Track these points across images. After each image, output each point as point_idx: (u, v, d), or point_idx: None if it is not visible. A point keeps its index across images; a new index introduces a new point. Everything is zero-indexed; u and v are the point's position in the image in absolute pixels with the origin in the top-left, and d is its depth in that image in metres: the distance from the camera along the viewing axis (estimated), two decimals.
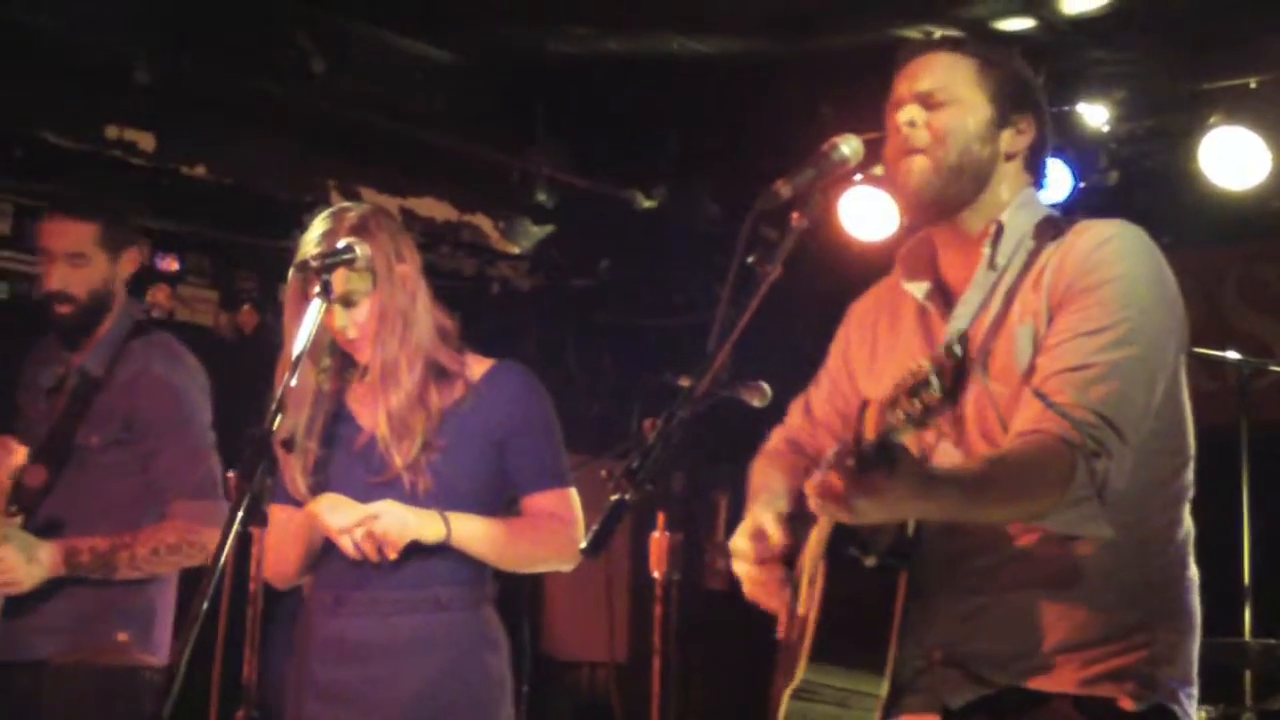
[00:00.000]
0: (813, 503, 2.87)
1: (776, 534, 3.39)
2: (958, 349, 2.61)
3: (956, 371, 2.61)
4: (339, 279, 4.07)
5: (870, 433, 2.72)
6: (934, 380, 2.63)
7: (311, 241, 4.11)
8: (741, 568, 3.44)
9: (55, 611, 4.85)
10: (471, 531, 4.15)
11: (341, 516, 4.08)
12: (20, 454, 4.73)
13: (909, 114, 3.28)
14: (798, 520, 3.48)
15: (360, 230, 4.13)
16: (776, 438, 3.80)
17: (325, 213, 4.22)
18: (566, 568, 4.33)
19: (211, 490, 4.98)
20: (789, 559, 3.40)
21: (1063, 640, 3.11)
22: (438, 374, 4.22)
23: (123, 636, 4.92)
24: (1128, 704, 3.08)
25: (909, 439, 2.76)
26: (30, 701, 4.83)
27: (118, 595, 4.91)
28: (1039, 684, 3.11)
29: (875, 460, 2.71)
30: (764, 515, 3.46)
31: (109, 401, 4.94)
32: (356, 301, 4.13)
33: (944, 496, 2.93)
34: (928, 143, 3.26)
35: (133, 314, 5.17)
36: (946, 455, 3.21)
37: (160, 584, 5.03)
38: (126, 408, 4.94)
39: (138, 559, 4.85)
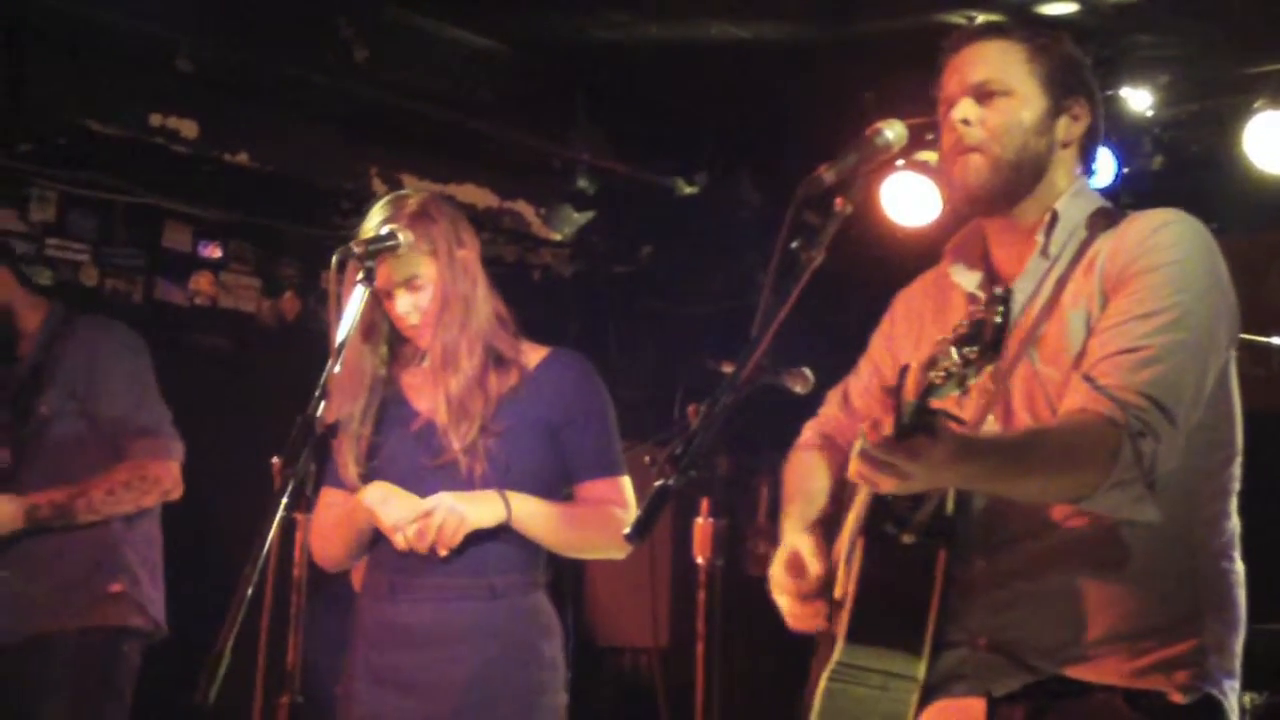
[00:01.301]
0: (853, 471, 2.86)
1: (814, 566, 3.37)
2: (998, 304, 2.60)
3: (998, 325, 2.60)
4: (404, 264, 4.12)
5: (910, 394, 2.71)
6: (975, 334, 2.62)
7: (370, 227, 4.14)
8: (781, 600, 3.44)
9: (46, 582, 5.12)
10: (530, 511, 4.17)
11: (395, 510, 4.09)
12: None
13: (963, 111, 3.26)
14: (833, 521, 3.47)
15: (421, 216, 4.17)
16: (810, 432, 3.78)
17: (385, 199, 4.25)
18: (618, 555, 4.34)
19: (158, 428, 5.33)
20: (828, 586, 3.39)
21: (1110, 629, 3.09)
22: (496, 360, 4.24)
23: (117, 586, 5.18)
24: (1178, 698, 3.06)
25: (950, 398, 2.74)
26: (30, 676, 5.05)
27: (100, 550, 5.19)
28: (1086, 674, 3.09)
29: (915, 424, 2.70)
30: (799, 540, 3.44)
31: (52, 378, 5.25)
32: (421, 286, 4.16)
33: (985, 462, 2.91)
34: (983, 140, 3.24)
35: (63, 312, 5.46)
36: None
37: (136, 536, 5.29)
38: (68, 380, 5.24)
39: (94, 503, 5.14)
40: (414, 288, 4.18)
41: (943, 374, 2.65)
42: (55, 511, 5.10)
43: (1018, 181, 3.26)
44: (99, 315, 5.57)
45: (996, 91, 3.26)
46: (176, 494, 5.33)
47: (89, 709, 5.09)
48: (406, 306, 4.18)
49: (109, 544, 5.21)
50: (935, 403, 2.71)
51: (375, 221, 4.16)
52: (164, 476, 5.27)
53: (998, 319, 2.61)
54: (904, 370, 2.74)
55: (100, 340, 5.36)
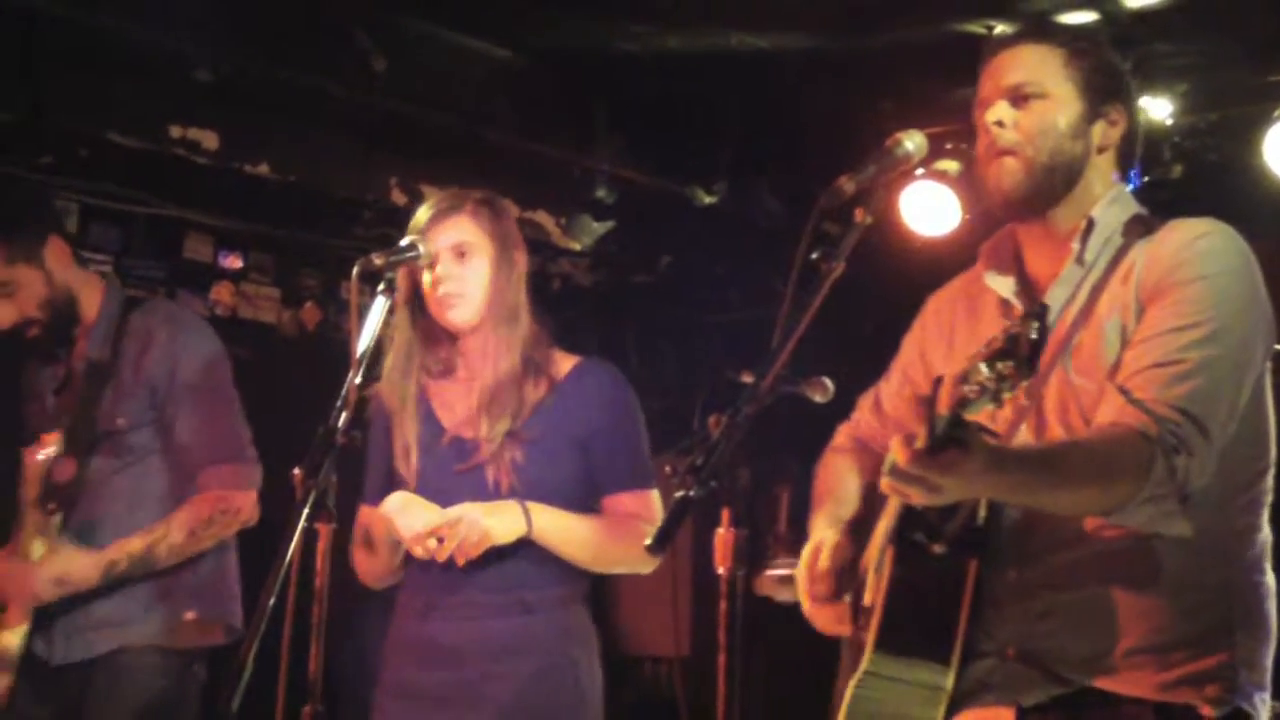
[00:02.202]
0: (884, 485, 2.86)
1: (824, 560, 3.37)
2: (1034, 320, 2.59)
3: (1034, 341, 2.58)
4: (456, 230, 4.17)
5: (943, 408, 2.70)
6: (1010, 349, 2.61)
7: (425, 215, 4.20)
8: (800, 599, 3.44)
9: (116, 605, 4.76)
10: (553, 525, 4.13)
11: (413, 519, 4.08)
12: (49, 444, 4.71)
13: (997, 113, 3.26)
14: (864, 524, 3.47)
15: (487, 203, 4.25)
16: (843, 435, 3.78)
17: (447, 193, 4.28)
18: (645, 570, 4.31)
19: (238, 453, 4.89)
20: (849, 586, 3.38)
21: (1140, 641, 3.08)
22: (533, 370, 4.22)
23: (190, 615, 4.83)
24: (1208, 711, 3.05)
25: (984, 413, 2.73)
26: (98, 695, 4.72)
27: (179, 576, 4.82)
28: (1116, 686, 3.08)
29: (948, 438, 2.69)
30: (825, 535, 3.44)
31: (124, 380, 4.82)
32: (468, 256, 4.18)
33: (1017, 472, 2.90)
34: (1018, 143, 3.24)
35: (120, 291, 5.05)
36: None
37: (215, 557, 4.92)
38: (143, 381, 4.82)
39: (176, 547, 4.74)
40: (461, 254, 4.18)
41: (976, 389, 2.63)
42: (133, 564, 4.69)
43: (1052, 185, 3.25)
44: (168, 303, 5.15)
45: (1032, 95, 3.26)
46: (254, 521, 4.89)
47: None
48: (449, 271, 4.16)
49: (183, 568, 4.82)
50: (969, 416, 2.70)
51: (430, 213, 4.21)
52: (245, 507, 4.83)
53: (1033, 334, 2.59)
54: (937, 383, 2.73)
55: (181, 345, 4.87)
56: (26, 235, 4.85)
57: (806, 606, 3.42)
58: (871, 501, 3.51)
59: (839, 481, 3.64)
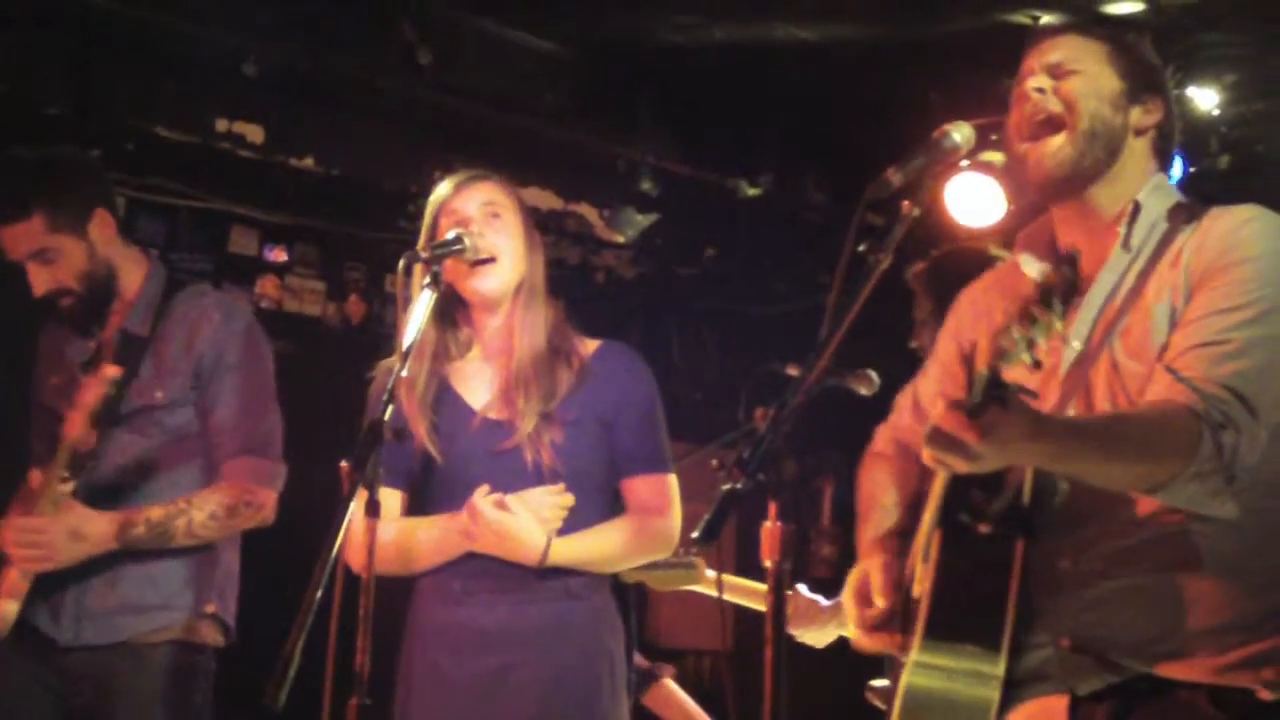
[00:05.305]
0: (925, 455, 2.85)
1: (879, 598, 3.36)
2: (1065, 265, 2.58)
3: (1066, 282, 2.57)
4: (487, 192, 4.21)
5: (981, 364, 2.69)
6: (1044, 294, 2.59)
7: (448, 186, 4.25)
8: (851, 630, 3.43)
9: (139, 591, 4.70)
10: (566, 556, 4.13)
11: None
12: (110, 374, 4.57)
13: (1038, 81, 3.26)
14: (908, 534, 3.45)
15: (506, 182, 4.30)
16: (883, 439, 3.76)
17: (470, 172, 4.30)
18: (663, 556, 4.32)
19: (270, 448, 4.81)
20: (895, 617, 3.38)
21: (1195, 626, 3.05)
22: (564, 354, 4.24)
23: (211, 607, 4.78)
24: (1265, 695, 3.02)
25: (1023, 365, 2.68)
26: (121, 684, 4.66)
27: (200, 565, 4.77)
28: (1172, 671, 3.05)
29: (987, 397, 2.68)
30: (870, 561, 3.43)
31: (168, 357, 4.76)
32: (500, 219, 4.21)
33: (1060, 440, 2.89)
34: (1058, 109, 3.22)
35: (163, 271, 4.95)
36: None
37: (230, 552, 4.89)
38: (191, 359, 4.75)
39: (194, 525, 4.66)
40: (495, 215, 4.20)
41: (1012, 341, 2.63)
42: (151, 532, 4.59)
43: (1094, 155, 3.22)
44: (219, 291, 5.17)
45: (1072, 70, 3.26)
46: (269, 523, 4.81)
47: None
48: (484, 230, 4.16)
49: (208, 560, 4.79)
50: (1008, 374, 2.69)
51: (453, 179, 4.26)
52: (267, 504, 4.77)
53: (1065, 277, 2.58)
54: (974, 346, 2.72)
55: (234, 331, 4.81)
56: (73, 205, 4.76)
57: (856, 635, 3.41)
58: (916, 509, 3.50)
59: (881, 492, 3.63)
